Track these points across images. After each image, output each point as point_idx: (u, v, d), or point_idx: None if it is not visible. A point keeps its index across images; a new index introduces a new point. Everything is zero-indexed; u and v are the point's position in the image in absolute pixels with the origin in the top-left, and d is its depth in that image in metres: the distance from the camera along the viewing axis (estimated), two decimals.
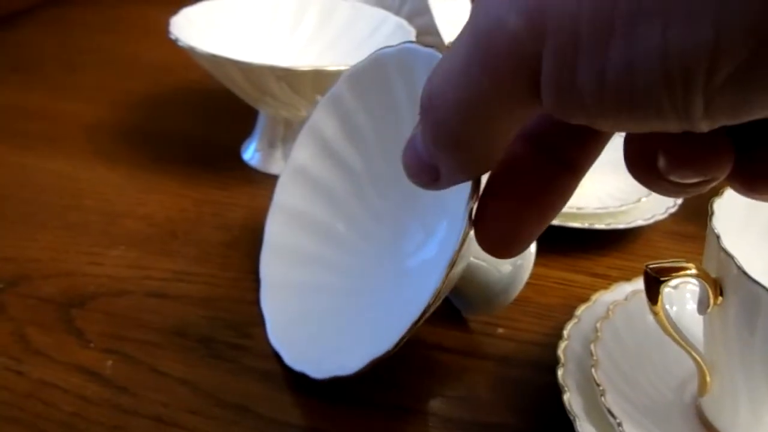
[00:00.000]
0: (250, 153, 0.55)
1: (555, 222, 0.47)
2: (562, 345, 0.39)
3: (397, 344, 0.33)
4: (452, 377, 0.40)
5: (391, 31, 0.54)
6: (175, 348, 0.39)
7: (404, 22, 0.54)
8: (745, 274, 0.30)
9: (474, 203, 0.32)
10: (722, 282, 0.32)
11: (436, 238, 0.41)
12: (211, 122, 0.62)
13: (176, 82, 0.69)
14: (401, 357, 0.39)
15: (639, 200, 0.50)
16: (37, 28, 0.83)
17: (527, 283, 0.46)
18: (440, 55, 0.36)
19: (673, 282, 0.34)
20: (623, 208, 0.49)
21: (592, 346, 0.38)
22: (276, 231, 0.43)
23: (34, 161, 0.55)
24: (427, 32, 0.67)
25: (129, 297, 0.43)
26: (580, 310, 0.41)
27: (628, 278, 0.43)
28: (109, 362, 0.38)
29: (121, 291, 0.43)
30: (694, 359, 0.36)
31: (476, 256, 0.40)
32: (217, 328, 0.41)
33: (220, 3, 0.56)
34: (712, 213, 0.34)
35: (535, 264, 0.48)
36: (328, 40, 0.57)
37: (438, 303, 0.34)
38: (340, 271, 0.43)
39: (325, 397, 0.37)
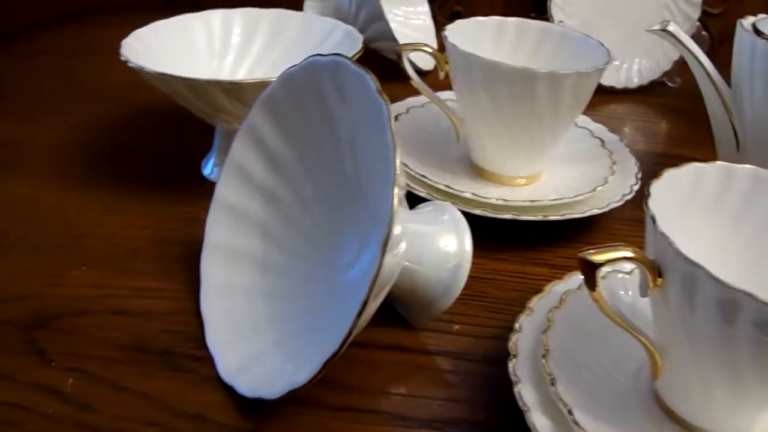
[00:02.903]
0: (210, 168, 0.56)
1: (508, 216, 0.48)
2: (514, 337, 0.39)
3: (341, 346, 0.33)
4: (409, 375, 0.40)
5: (341, 38, 0.55)
6: (136, 363, 0.40)
7: (353, 30, 0.55)
8: (681, 253, 0.31)
9: (395, 209, 0.33)
10: (660, 263, 0.33)
11: (371, 247, 0.41)
12: (173, 140, 0.62)
13: (138, 102, 0.69)
14: (357, 359, 0.40)
15: (594, 190, 0.51)
16: (1, 53, 0.84)
17: (486, 279, 0.47)
18: (345, 61, 0.38)
19: (607, 268, 0.34)
20: (578, 198, 0.50)
21: (543, 336, 0.39)
22: (211, 270, 0.44)
23: None
24: (383, 37, 0.68)
25: (91, 316, 0.43)
26: (533, 302, 0.42)
27: None
28: (70, 380, 0.38)
29: (83, 310, 0.43)
30: (642, 343, 0.36)
31: (411, 260, 0.40)
32: (176, 341, 0.41)
33: (172, 22, 0.57)
34: (649, 195, 0.35)
35: (494, 259, 0.49)
36: (282, 52, 0.57)
37: (372, 306, 0.34)
38: (279, 298, 0.43)
39: (280, 401, 0.37)
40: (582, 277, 0.34)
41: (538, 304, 0.42)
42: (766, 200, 0.38)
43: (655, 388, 0.38)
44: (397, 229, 0.36)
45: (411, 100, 0.60)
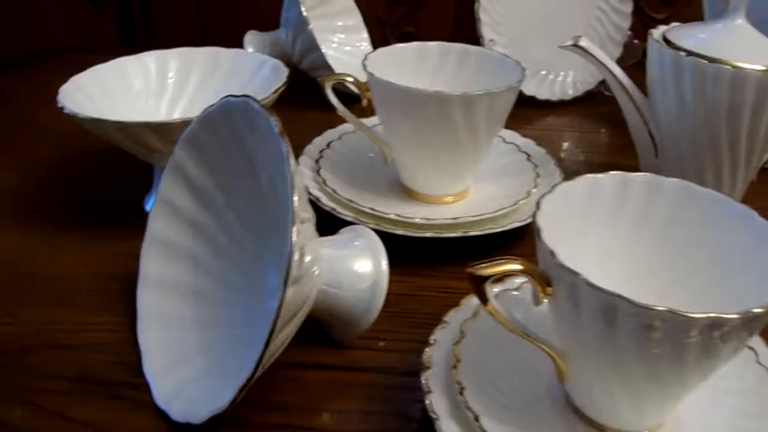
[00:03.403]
0: (151, 205, 0.57)
1: (430, 234, 0.50)
2: (429, 350, 0.41)
3: (252, 373, 0.35)
4: (336, 392, 0.42)
5: (269, 73, 0.57)
6: (80, 393, 0.42)
7: (280, 64, 0.57)
8: (562, 264, 0.33)
9: (294, 245, 0.35)
10: (548, 273, 0.35)
11: None
12: (116, 180, 0.64)
13: (85, 145, 0.70)
14: (287, 379, 0.42)
15: (516, 203, 0.53)
16: None
17: (412, 295, 0.49)
18: (253, 103, 0.40)
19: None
20: (500, 213, 0.52)
21: (455, 347, 0.41)
22: (146, 301, 0.46)
23: None
24: (321, 66, 0.70)
25: (38, 351, 0.45)
26: (449, 315, 0.44)
27: None
28: (18, 412, 0.40)
29: (30, 346, 0.45)
30: (542, 349, 0.38)
31: (329, 284, 0.42)
32: (116, 370, 0.43)
33: (108, 66, 0.59)
34: (539, 209, 0.37)
35: (421, 275, 0.51)
36: (215, 89, 0.59)
37: (284, 333, 0.36)
38: (210, 325, 0.45)
39: (208, 425, 0.39)
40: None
41: (454, 317, 0.43)
42: (664, 207, 0.40)
43: (567, 392, 0.40)
44: (307, 259, 0.38)
45: (344, 127, 0.62)
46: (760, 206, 0.64)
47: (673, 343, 0.31)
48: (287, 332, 0.38)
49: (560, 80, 0.81)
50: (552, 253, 0.33)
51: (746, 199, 0.63)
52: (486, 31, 0.74)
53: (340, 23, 0.82)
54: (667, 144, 0.55)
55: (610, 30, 0.79)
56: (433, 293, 0.49)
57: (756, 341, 0.43)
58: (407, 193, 0.57)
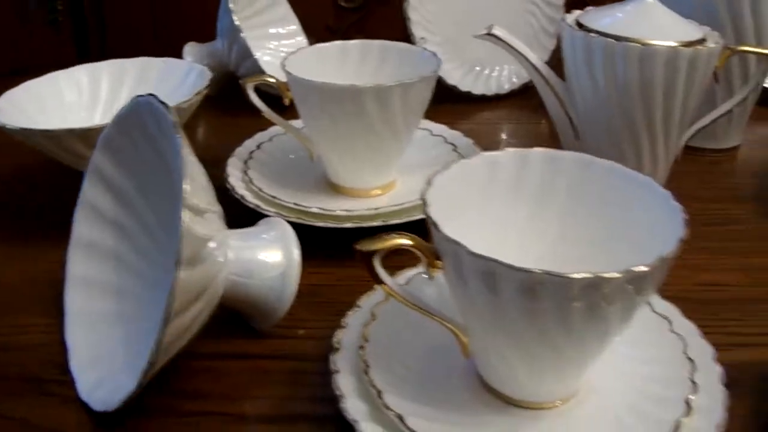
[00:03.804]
0: None
1: (349, 224, 0.51)
2: (340, 333, 0.42)
3: (151, 358, 0.36)
4: (255, 380, 0.43)
5: (195, 78, 0.58)
6: (16, 392, 0.43)
7: (206, 70, 0.59)
8: (444, 235, 0.34)
9: (185, 230, 0.36)
10: (437, 247, 0.36)
11: None
12: (53, 189, 0.64)
13: (19, 157, 0.70)
14: (208, 369, 0.44)
15: None
16: None
17: (334, 285, 0.50)
18: (155, 101, 0.41)
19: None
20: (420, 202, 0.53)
21: (364, 329, 0.41)
22: (72, 300, 0.47)
23: None
24: (256, 72, 0.71)
25: None
26: (362, 299, 0.44)
27: None
28: None
29: None
30: (443, 325, 0.39)
31: (239, 275, 0.43)
32: (47, 369, 0.44)
33: (41, 81, 0.60)
34: (429, 185, 0.37)
35: (344, 266, 0.51)
36: None
37: (184, 319, 0.37)
38: (132, 320, 0.46)
39: (133, 413, 0.40)
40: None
41: (367, 301, 0.44)
42: (564, 180, 0.41)
43: (476, 367, 0.41)
44: (210, 245, 0.39)
45: (275, 129, 0.63)
46: (682, 186, 0.66)
47: (557, 307, 0.32)
48: (191, 316, 0.38)
49: (495, 75, 0.82)
50: (435, 225, 0.34)
51: (672, 179, 0.65)
52: (417, 30, 0.75)
53: (276, 30, 0.83)
54: (585, 127, 0.56)
55: (544, 23, 0.80)
56: (354, 283, 0.49)
57: (670, 310, 0.44)
58: (334, 189, 0.58)
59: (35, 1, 0.98)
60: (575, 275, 0.31)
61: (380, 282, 0.37)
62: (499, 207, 0.41)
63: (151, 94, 0.42)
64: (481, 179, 0.41)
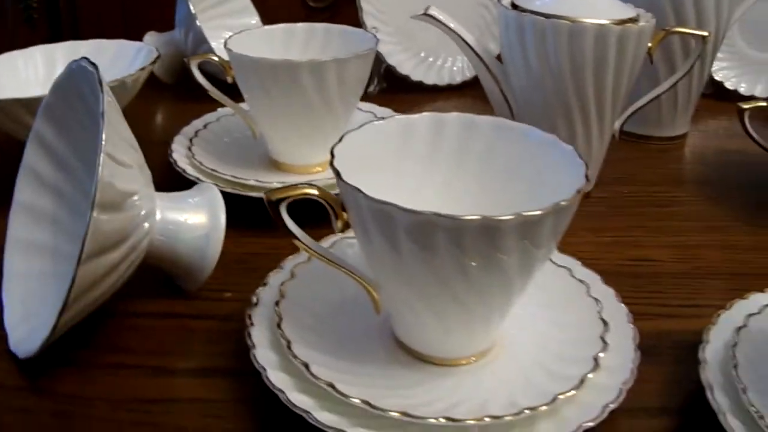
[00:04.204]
0: None
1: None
2: (259, 290, 0.43)
3: (65, 302, 0.37)
4: (178, 336, 0.44)
5: (144, 56, 0.60)
6: None
7: (153, 49, 0.60)
8: (346, 182, 0.34)
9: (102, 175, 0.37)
10: (342, 198, 0.37)
11: None
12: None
13: None
14: (135, 327, 0.45)
15: None
16: None
17: (265, 254, 0.51)
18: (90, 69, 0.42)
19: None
20: None
21: (281, 287, 0.43)
22: (11, 261, 0.47)
23: None
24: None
25: None
26: (286, 261, 0.46)
27: None
28: None
29: None
30: (353, 278, 0.40)
31: (166, 235, 0.44)
32: None
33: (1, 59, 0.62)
34: (339, 142, 0.38)
35: (274, 237, 0.52)
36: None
37: (97, 264, 0.38)
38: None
39: (61, 361, 0.42)
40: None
41: (290, 262, 0.46)
42: (480, 143, 0.42)
43: (390, 324, 0.41)
44: (126, 189, 0.40)
45: (225, 110, 0.65)
46: (625, 170, 0.67)
47: (453, 254, 0.33)
48: (109, 262, 0.39)
49: (448, 66, 0.83)
50: (339, 174, 0.35)
51: (616, 164, 0.66)
52: (368, 20, 0.76)
53: (235, 22, 0.84)
54: (521, 106, 0.57)
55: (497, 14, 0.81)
56: (286, 251, 0.50)
57: (590, 276, 0.45)
58: (275, 166, 0.59)
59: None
60: (466, 216, 0.32)
61: (287, 230, 0.38)
62: (416, 170, 0.42)
63: (84, 58, 0.44)
64: (396, 141, 0.42)
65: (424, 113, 0.43)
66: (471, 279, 0.35)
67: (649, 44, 0.56)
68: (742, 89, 0.83)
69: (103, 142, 0.38)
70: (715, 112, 0.80)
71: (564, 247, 0.46)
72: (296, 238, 0.38)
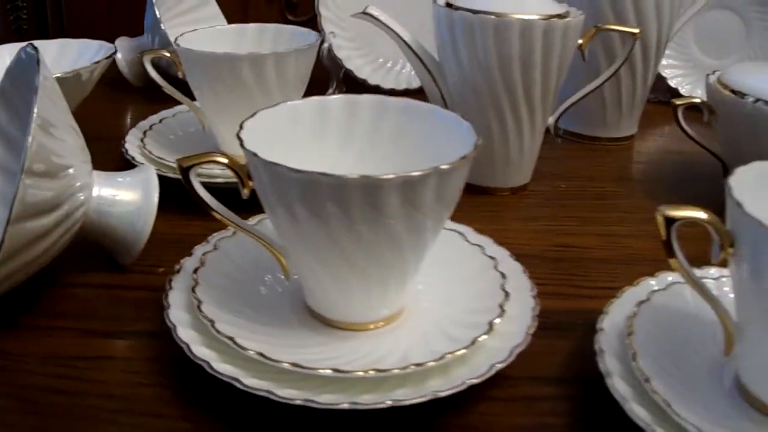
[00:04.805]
0: None
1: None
2: (183, 260, 0.46)
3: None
4: (111, 305, 0.47)
5: (95, 51, 0.64)
6: None
7: (112, 46, 0.64)
8: (247, 149, 0.37)
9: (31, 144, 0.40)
10: (248, 167, 0.39)
11: None
12: None
13: None
14: (73, 296, 0.48)
15: None
16: None
17: (202, 235, 0.53)
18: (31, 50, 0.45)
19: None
20: None
21: (203, 256, 0.45)
22: None
23: None
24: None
25: None
26: (213, 236, 0.48)
27: None
28: None
29: None
30: (261, 243, 0.42)
31: (100, 209, 0.47)
32: None
33: None
34: (241, 129, 0.41)
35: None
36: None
37: (26, 227, 0.41)
38: None
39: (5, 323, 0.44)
40: None
41: (217, 236, 0.48)
42: (391, 123, 0.45)
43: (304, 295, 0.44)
44: (70, 171, 0.43)
45: (181, 107, 0.68)
46: (566, 167, 0.69)
47: (339, 216, 0.35)
48: (41, 226, 0.41)
49: (405, 71, 0.86)
50: (241, 141, 0.38)
51: (558, 161, 0.68)
52: (327, 25, 0.80)
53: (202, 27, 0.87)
54: (456, 102, 0.60)
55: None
56: None
57: (499, 252, 0.48)
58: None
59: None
60: (348, 175, 0.34)
61: (198, 198, 0.41)
62: (331, 149, 0.45)
63: (29, 43, 0.47)
64: (312, 121, 0.44)
65: (339, 95, 0.45)
66: (362, 243, 0.37)
67: (580, 41, 0.59)
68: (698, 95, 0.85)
69: (35, 114, 0.40)
70: (669, 117, 0.82)
71: (491, 233, 0.49)
72: (206, 204, 0.41)
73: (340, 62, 0.80)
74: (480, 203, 0.61)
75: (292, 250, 0.41)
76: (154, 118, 0.67)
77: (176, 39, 0.58)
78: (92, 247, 0.49)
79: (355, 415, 0.37)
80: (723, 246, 0.36)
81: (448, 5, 0.58)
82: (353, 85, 0.82)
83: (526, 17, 0.55)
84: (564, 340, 0.44)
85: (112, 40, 1.05)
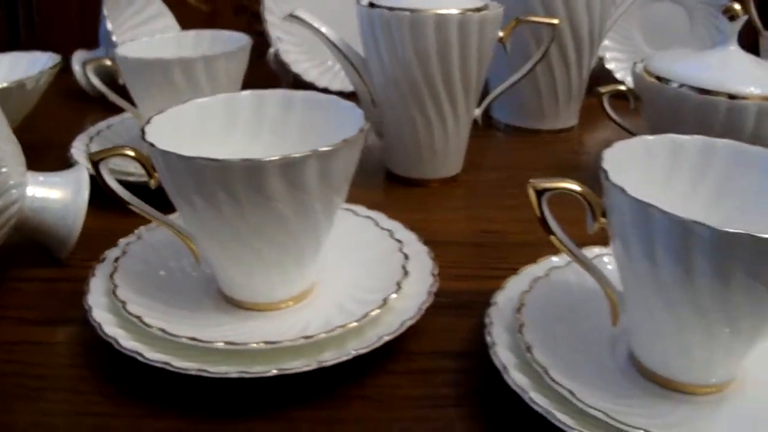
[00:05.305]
0: None
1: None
2: (107, 252, 0.48)
3: None
4: (48, 296, 0.50)
5: (44, 63, 0.67)
6: None
7: (59, 57, 0.67)
8: (149, 142, 0.40)
9: None
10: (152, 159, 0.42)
11: None
12: None
13: None
14: (10, 289, 0.51)
15: None
16: None
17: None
18: None
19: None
20: None
21: (125, 246, 0.49)
22: None
23: None
24: None
25: None
26: (140, 228, 0.51)
27: None
28: None
29: None
30: (169, 230, 0.45)
31: (33, 206, 0.50)
32: None
33: None
34: (148, 123, 0.44)
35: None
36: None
37: None
38: None
39: None
40: None
41: (142, 229, 0.51)
42: (297, 116, 0.48)
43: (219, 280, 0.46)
44: (3, 169, 0.47)
45: (113, 119, 0.73)
46: (498, 158, 0.72)
47: (227, 200, 0.38)
48: None
49: None
50: (143, 133, 0.41)
51: (492, 153, 0.71)
52: (273, 30, 0.83)
53: (151, 27, 0.89)
54: (381, 99, 0.62)
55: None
56: None
57: (394, 225, 0.50)
58: None
59: None
60: (231, 159, 0.37)
61: (108, 189, 0.43)
62: (241, 143, 0.47)
63: None
64: (221, 117, 0.47)
65: (246, 91, 0.48)
66: (254, 226, 0.40)
67: (501, 33, 0.62)
68: None
69: None
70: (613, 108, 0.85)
71: (414, 222, 0.52)
72: (118, 196, 0.44)
73: (288, 67, 0.83)
74: (409, 194, 0.63)
75: (197, 237, 0.44)
76: (102, 125, 0.70)
77: (119, 48, 0.62)
78: (31, 243, 0.53)
79: (253, 384, 0.40)
80: (595, 216, 0.38)
81: (371, 5, 0.61)
82: (302, 88, 0.84)
83: (441, 12, 0.57)
84: (468, 318, 0.46)
85: (83, 40, 1.10)
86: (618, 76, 0.90)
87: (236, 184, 0.38)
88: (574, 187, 0.39)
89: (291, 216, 0.40)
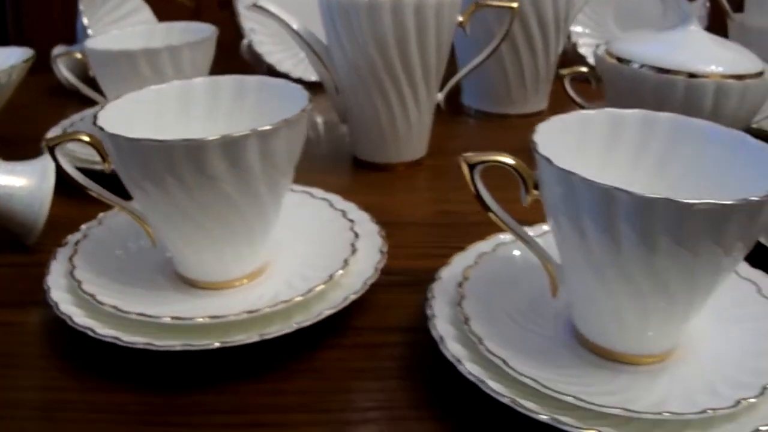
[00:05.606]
0: None
1: None
2: (70, 236, 0.50)
3: None
4: (20, 279, 0.52)
5: (18, 57, 0.69)
6: None
7: (33, 52, 0.69)
8: (99, 126, 0.41)
9: None
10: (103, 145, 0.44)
11: None
12: None
13: None
14: None
15: None
16: None
17: None
18: None
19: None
20: None
21: (87, 230, 0.50)
22: None
23: None
24: None
25: None
26: (102, 213, 0.53)
27: None
28: None
29: None
30: (126, 213, 0.47)
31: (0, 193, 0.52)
32: None
33: None
34: (101, 115, 0.46)
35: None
36: None
37: None
38: None
39: None
40: None
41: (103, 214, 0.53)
42: (251, 101, 0.49)
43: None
44: None
45: (87, 111, 0.74)
46: (461, 143, 0.73)
47: (173, 182, 0.40)
48: None
49: None
50: (95, 119, 0.43)
51: (457, 137, 0.72)
52: (246, 22, 0.84)
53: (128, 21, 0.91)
54: (344, 82, 0.64)
55: None
56: None
57: (362, 217, 0.52)
58: None
59: None
60: (172, 139, 0.39)
61: (65, 173, 0.45)
62: (196, 131, 0.47)
63: None
64: (176, 104, 0.49)
65: (199, 78, 0.50)
66: (201, 206, 0.42)
67: (461, 18, 0.63)
68: None
69: None
70: (586, 93, 0.86)
71: (375, 204, 0.53)
72: (74, 180, 0.45)
73: (261, 57, 0.85)
74: (375, 179, 0.65)
75: (151, 219, 0.46)
76: (76, 117, 0.72)
77: (87, 42, 0.63)
78: (5, 233, 0.54)
79: (203, 359, 0.42)
80: (528, 189, 0.40)
81: None
82: None
83: None
84: (416, 294, 0.47)
85: (70, 34, 1.12)
86: (591, 61, 0.90)
87: (180, 164, 0.39)
88: (506, 160, 0.41)
89: (237, 196, 0.42)
